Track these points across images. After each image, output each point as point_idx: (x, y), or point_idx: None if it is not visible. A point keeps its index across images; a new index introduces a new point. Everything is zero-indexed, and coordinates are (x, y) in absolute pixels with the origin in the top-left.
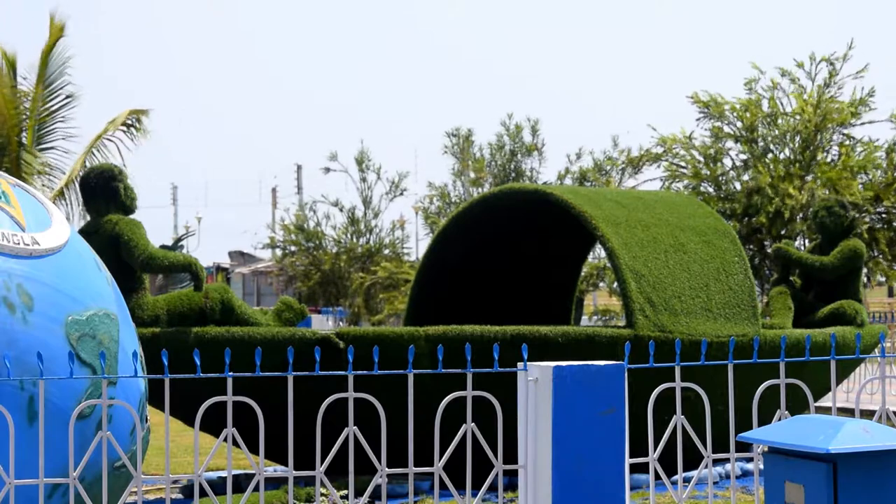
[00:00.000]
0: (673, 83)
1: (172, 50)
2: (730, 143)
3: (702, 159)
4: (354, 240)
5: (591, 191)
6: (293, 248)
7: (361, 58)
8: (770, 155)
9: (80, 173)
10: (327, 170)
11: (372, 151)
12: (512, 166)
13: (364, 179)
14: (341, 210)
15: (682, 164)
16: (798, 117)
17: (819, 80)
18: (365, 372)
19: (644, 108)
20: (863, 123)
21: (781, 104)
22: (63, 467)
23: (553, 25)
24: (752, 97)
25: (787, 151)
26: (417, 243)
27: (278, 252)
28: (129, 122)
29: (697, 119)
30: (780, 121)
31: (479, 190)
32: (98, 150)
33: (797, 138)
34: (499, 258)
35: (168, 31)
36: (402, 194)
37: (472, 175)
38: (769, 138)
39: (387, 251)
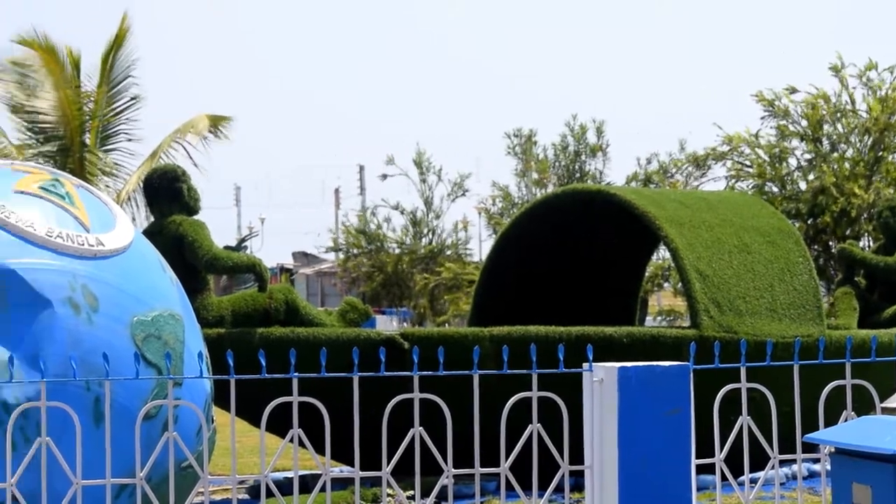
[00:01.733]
0: (738, 82)
1: (236, 50)
2: (795, 142)
3: (767, 158)
4: (416, 241)
5: (654, 191)
6: (355, 251)
7: (425, 56)
8: (835, 154)
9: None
10: (384, 176)
11: (432, 152)
12: (576, 167)
13: (424, 181)
14: (402, 213)
15: (748, 163)
16: (866, 115)
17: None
18: (430, 373)
19: (709, 108)
20: None
21: (853, 100)
22: (129, 468)
23: (616, 25)
24: (822, 91)
25: (852, 150)
26: (480, 244)
27: (340, 255)
28: (210, 128)
29: (762, 118)
30: (848, 118)
31: (543, 191)
32: (166, 154)
33: (866, 137)
34: (562, 259)
35: (230, 32)
36: (464, 195)
37: (536, 176)
38: (834, 137)
39: (448, 252)
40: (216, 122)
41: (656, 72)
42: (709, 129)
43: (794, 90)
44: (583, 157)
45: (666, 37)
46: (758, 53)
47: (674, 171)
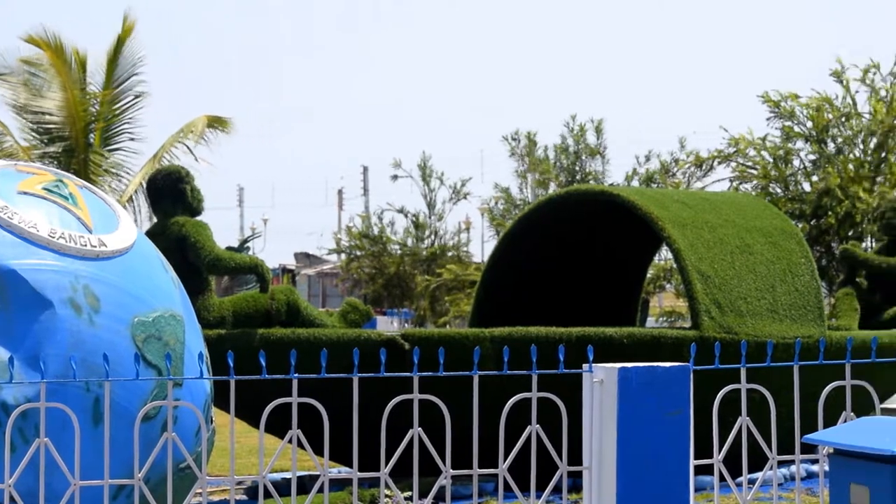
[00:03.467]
0: (742, 83)
1: (241, 51)
2: (800, 144)
3: (771, 160)
4: (418, 244)
5: (657, 192)
6: (358, 253)
7: (426, 55)
8: (840, 156)
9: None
10: (395, 177)
11: (436, 153)
12: (577, 168)
13: (428, 184)
14: (406, 216)
15: (751, 164)
16: (869, 117)
17: None
18: (430, 373)
19: (711, 109)
20: None
21: (856, 103)
22: (128, 468)
23: (618, 25)
24: (825, 94)
25: (857, 152)
26: (483, 245)
27: (343, 257)
28: (210, 127)
29: (768, 119)
30: (852, 121)
31: (545, 192)
32: (168, 154)
33: (870, 139)
34: (564, 260)
35: (235, 33)
36: (465, 198)
37: (538, 177)
38: (839, 139)
39: (450, 253)
40: (216, 124)
41: (658, 72)
42: (710, 130)
43: (796, 97)
44: (583, 158)
45: (667, 37)
46: (759, 55)
47: (675, 169)
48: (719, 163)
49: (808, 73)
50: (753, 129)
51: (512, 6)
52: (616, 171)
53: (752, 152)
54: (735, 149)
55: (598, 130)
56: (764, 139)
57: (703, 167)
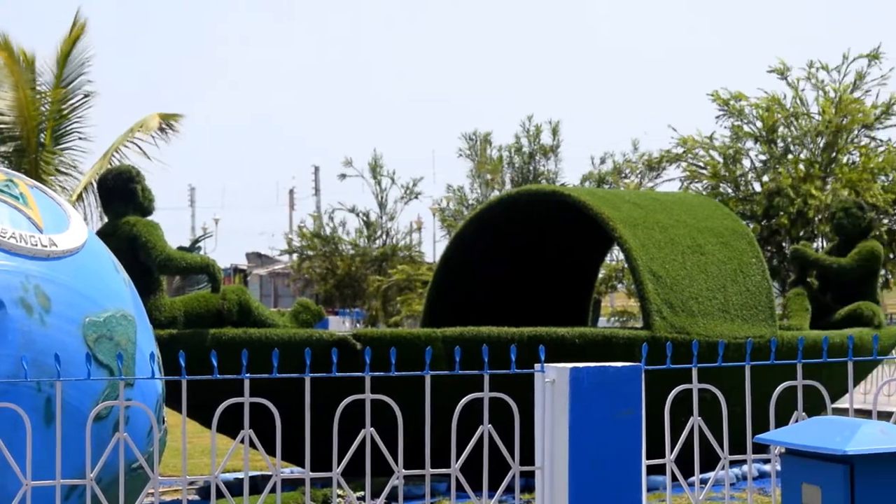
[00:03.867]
0: (693, 83)
1: (192, 51)
2: (749, 143)
3: (721, 160)
4: (369, 243)
5: (608, 192)
6: (310, 253)
7: (379, 55)
8: (790, 156)
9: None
10: (343, 176)
11: (388, 153)
12: (531, 168)
13: (379, 183)
14: (357, 215)
15: (701, 164)
16: (819, 118)
17: (847, 80)
18: (382, 373)
19: (663, 109)
20: (885, 127)
21: (804, 103)
22: (80, 468)
23: (570, 27)
24: (774, 94)
25: (806, 152)
26: (434, 245)
27: (295, 257)
28: (161, 126)
29: (717, 117)
30: (801, 121)
31: (495, 192)
32: (118, 152)
33: (819, 139)
34: (516, 260)
35: (186, 33)
36: (416, 197)
37: (489, 177)
38: (789, 139)
39: (402, 253)
40: (168, 120)
41: (610, 73)
42: (662, 130)
43: (744, 96)
44: (537, 158)
45: (619, 38)
46: (708, 55)
47: (627, 171)
48: (669, 163)
49: (757, 73)
50: (702, 130)
51: (467, 6)
52: (568, 172)
53: (700, 152)
54: (684, 149)
55: (555, 131)
56: (711, 137)
57: (655, 169)
